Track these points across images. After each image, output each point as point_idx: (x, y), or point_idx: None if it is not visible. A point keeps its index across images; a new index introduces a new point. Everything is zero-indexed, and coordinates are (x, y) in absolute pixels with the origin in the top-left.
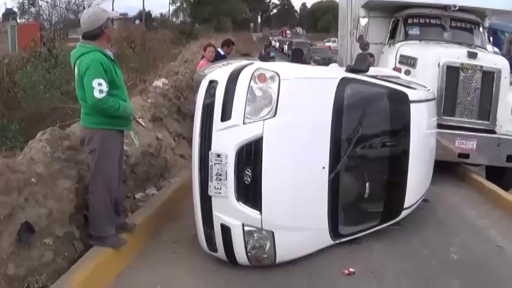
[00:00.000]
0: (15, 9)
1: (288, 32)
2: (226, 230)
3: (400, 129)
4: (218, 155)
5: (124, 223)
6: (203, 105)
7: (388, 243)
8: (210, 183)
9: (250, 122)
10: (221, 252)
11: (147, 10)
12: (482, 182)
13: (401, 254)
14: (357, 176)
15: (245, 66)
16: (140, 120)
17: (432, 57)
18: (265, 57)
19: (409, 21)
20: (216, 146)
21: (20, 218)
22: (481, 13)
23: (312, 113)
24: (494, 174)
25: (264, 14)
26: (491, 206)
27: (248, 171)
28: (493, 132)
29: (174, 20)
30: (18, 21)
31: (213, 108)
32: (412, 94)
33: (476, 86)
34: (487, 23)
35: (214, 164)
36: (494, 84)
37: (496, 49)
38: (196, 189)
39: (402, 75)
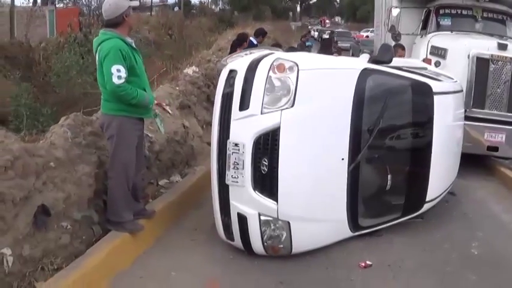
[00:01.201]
0: None
1: (327, 21)
2: (242, 219)
3: (423, 121)
4: (236, 144)
5: (143, 209)
6: (222, 94)
7: (409, 236)
8: (227, 172)
9: (268, 112)
10: (238, 241)
11: None
12: (510, 176)
13: (422, 248)
14: (378, 168)
15: (265, 56)
16: (167, 108)
17: (462, 49)
18: (301, 47)
19: (441, 11)
20: (234, 135)
21: (37, 201)
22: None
23: (332, 104)
24: None
25: (304, 3)
26: None
27: (265, 161)
28: None
29: (213, 7)
30: (56, 6)
31: (232, 97)
32: (436, 86)
33: (506, 78)
34: None
35: (232, 153)
36: None
37: None
38: (214, 178)
39: (430, 67)
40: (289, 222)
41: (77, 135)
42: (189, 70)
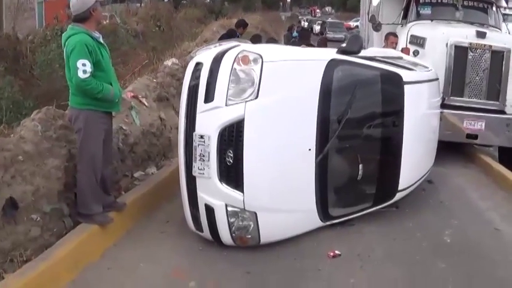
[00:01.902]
0: None
1: (318, 11)
2: (210, 210)
3: (393, 111)
4: (201, 136)
5: (114, 202)
6: (189, 86)
7: (382, 225)
8: (194, 163)
9: (232, 104)
10: (206, 232)
11: None
12: (489, 163)
13: (393, 237)
14: (347, 158)
15: (230, 48)
16: (143, 100)
17: (440, 37)
18: (288, 38)
19: (421, 0)
20: (200, 127)
21: (5, 194)
22: None
23: (298, 95)
24: (507, 155)
25: None
26: (496, 188)
27: (230, 153)
28: (503, 112)
29: None
30: None
31: (198, 89)
32: (407, 75)
33: (485, 66)
34: (503, 2)
35: (198, 145)
36: (504, 64)
37: None
38: (182, 170)
39: (406, 56)
40: (256, 213)
41: (48, 128)
42: (169, 62)
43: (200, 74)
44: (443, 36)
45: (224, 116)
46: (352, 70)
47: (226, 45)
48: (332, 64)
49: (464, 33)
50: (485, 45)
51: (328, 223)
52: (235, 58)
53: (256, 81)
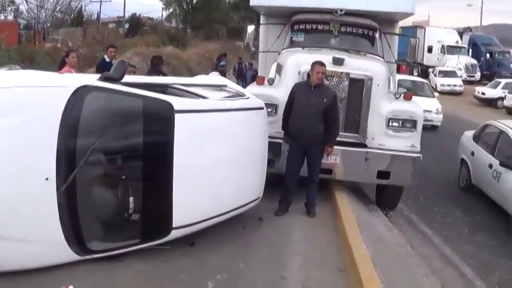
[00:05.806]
0: None
1: None
2: None
3: (159, 140)
4: None
5: None
6: None
7: (153, 263)
8: None
9: None
10: None
11: (137, 14)
12: (336, 201)
13: (150, 277)
14: (108, 190)
15: None
16: None
17: (293, 65)
18: (216, 66)
19: (295, 27)
20: None
21: None
22: (387, 18)
23: (32, 123)
24: (379, 191)
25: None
26: (327, 229)
27: None
28: (364, 145)
29: (167, 25)
30: None
31: None
32: (181, 103)
33: (343, 95)
34: (396, 29)
35: None
36: (364, 93)
37: (474, 60)
38: None
39: (232, 84)
40: None
41: None
42: None
43: None
44: (295, 63)
45: None
46: (108, 98)
47: None
48: (81, 91)
49: None
50: (341, 72)
51: (88, 257)
52: None
53: None
